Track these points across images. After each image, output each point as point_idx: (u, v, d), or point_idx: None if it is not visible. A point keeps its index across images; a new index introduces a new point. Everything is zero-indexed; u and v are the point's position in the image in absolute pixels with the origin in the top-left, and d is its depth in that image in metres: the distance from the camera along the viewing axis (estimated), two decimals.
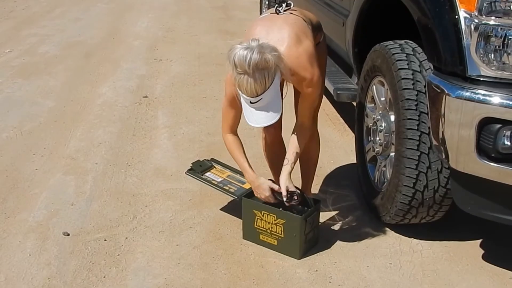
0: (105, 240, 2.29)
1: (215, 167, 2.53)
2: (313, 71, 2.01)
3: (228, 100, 2.12)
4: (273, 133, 2.39)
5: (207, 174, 2.48)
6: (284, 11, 2.15)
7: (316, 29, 2.22)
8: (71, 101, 3.88)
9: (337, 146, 3.15)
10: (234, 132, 2.22)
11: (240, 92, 1.92)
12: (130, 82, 4.30)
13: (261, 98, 1.89)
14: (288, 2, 2.19)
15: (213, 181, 2.43)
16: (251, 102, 1.91)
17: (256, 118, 1.94)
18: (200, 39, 5.65)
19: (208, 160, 2.58)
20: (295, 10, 2.17)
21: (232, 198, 2.58)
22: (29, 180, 2.79)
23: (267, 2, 5.17)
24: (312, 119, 2.21)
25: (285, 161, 2.19)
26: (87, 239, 2.30)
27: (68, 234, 2.32)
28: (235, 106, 2.11)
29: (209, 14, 6.90)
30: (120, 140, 3.25)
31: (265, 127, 2.38)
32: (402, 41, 2.28)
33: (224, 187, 2.40)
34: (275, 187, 2.17)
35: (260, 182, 2.19)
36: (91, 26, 6.17)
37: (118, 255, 2.20)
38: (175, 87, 4.20)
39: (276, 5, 2.18)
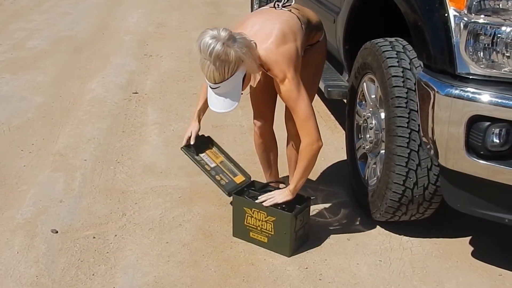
0: (94, 237, 2.28)
1: (211, 148, 2.44)
2: (286, 73, 2.00)
3: None
4: (262, 125, 2.39)
5: (202, 155, 2.39)
6: (284, 6, 2.15)
7: (315, 28, 2.22)
8: (59, 96, 3.85)
9: (328, 143, 3.15)
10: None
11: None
12: (120, 78, 4.27)
13: (219, 87, 1.96)
14: None
15: (206, 166, 2.35)
16: (210, 87, 1.99)
17: (213, 102, 2.02)
18: (191, 34, 5.62)
19: (206, 136, 2.47)
20: (294, 8, 2.16)
21: (222, 196, 2.57)
22: (17, 176, 2.76)
23: (258, 1, 5.15)
24: (308, 136, 2.06)
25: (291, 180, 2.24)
26: (75, 236, 2.28)
27: (57, 232, 2.30)
28: None
29: (200, 9, 6.87)
30: (110, 136, 3.23)
31: (255, 119, 2.40)
32: (392, 39, 2.28)
33: (216, 176, 2.34)
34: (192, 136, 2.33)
35: (192, 123, 2.37)
36: (81, 21, 6.12)
37: (107, 252, 2.18)
38: (165, 83, 4.17)
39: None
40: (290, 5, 2.17)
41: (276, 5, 2.15)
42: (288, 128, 2.38)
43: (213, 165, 2.39)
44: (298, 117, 2.06)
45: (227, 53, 1.88)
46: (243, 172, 2.42)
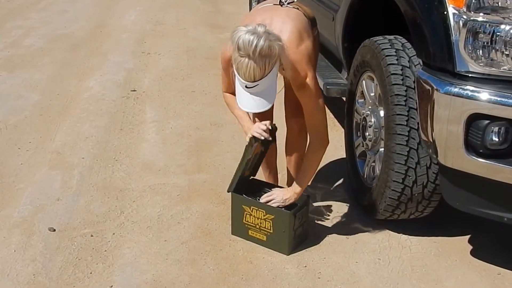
0: (91, 235, 2.27)
1: (265, 140, 2.19)
2: (307, 72, 2.00)
3: (223, 70, 2.13)
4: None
5: (255, 144, 2.19)
6: (288, 3, 2.13)
7: (312, 23, 2.21)
8: (57, 94, 3.83)
9: None
10: (232, 91, 2.13)
11: (237, 75, 1.89)
12: (118, 75, 4.25)
13: (257, 84, 1.87)
14: None
15: (246, 157, 2.17)
16: (246, 87, 1.89)
17: (249, 103, 1.92)
18: (189, 32, 5.61)
19: (275, 127, 2.23)
20: (298, 5, 2.15)
21: (220, 194, 2.57)
22: (14, 175, 2.74)
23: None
24: (319, 137, 2.10)
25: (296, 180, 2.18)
26: (73, 234, 2.27)
27: (54, 230, 2.29)
28: (230, 74, 2.11)
29: (198, 7, 6.86)
30: (107, 134, 3.22)
31: (254, 119, 2.36)
32: (391, 37, 2.28)
33: (242, 169, 2.19)
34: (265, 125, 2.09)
35: (256, 123, 2.16)
36: (78, 18, 6.10)
37: (105, 250, 2.17)
38: (164, 81, 4.16)
39: None
40: (293, 1, 2.16)
41: (281, 3, 2.13)
42: (291, 126, 2.35)
43: (249, 156, 2.21)
44: (315, 116, 2.05)
45: (271, 47, 1.82)
46: (254, 168, 2.32)
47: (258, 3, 4.95)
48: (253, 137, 2.10)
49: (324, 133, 2.10)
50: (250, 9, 5.33)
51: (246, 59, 1.82)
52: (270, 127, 2.13)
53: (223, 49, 2.08)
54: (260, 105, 1.91)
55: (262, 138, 2.09)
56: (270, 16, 2.06)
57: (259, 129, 2.09)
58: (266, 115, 2.37)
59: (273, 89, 1.91)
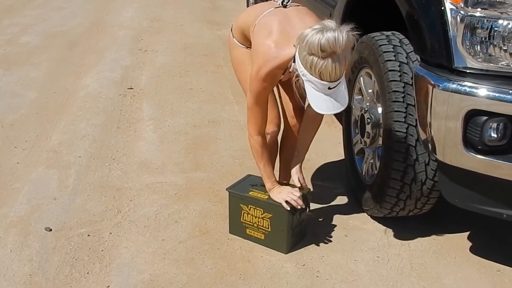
0: (88, 235, 2.25)
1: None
2: None
3: (255, 97, 2.00)
4: (276, 132, 2.30)
5: (289, 207, 2.12)
6: (291, 3, 2.10)
7: None
8: (53, 92, 3.81)
9: (325, 138, 3.13)
10: (263, 134, 2.10)
11: (316, 80, 1.77)
12: (115, 73, 4.23)
13: (340, 82, 1.80)
14: None
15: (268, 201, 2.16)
16: (329, 88, 1.78)
17: (334, 104, 1.81)
18: (186, 29, 5.59)
19: (309, 194, 2.27)
20: (298, 4, 2.13)
21: (218, 192, 2.56)
22: (10, 174, 2.73)
23: None
24: None
25: (296, 152, 2.19)
26: (70, 234, 2.26)
27: (51, 230, 2.28)
28: (264, 104, 2.02)
29: (195, 4, 6.83)
30: (104, 132, 3.20)
31: (269, 127, 2.26)
32: (389, 33, 2.26)
33: (253, 198, 2.18)
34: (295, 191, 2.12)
35: (283, 187, 2.13)
36: (75, 16, 6.07)
37: (102, 250, 2.16)
38: (161, 78, 4.14)
39: None
40: (292, 1, 2.13)
41: (283, 4, 2.06)
42: (295, 125, 2.30)
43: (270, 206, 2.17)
44: None
45: (351, 39, 1.76)
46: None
47: (256, 1, 4.93)
48: (287, 201, 2.08)
49: None
50: (248, 6, 5.30)
51: (330, 59, 1.72)
52: (304, 193, 2.14)
53: (264, 64, 1.92)
54: (340, 103, 1.82)
55: (298, 207, 2.09)
56: (286, 17, 2.00)
57: (294, 195, 2.08)
58: (275, 122, 2.27)
59: (345, 84, 1.85)
